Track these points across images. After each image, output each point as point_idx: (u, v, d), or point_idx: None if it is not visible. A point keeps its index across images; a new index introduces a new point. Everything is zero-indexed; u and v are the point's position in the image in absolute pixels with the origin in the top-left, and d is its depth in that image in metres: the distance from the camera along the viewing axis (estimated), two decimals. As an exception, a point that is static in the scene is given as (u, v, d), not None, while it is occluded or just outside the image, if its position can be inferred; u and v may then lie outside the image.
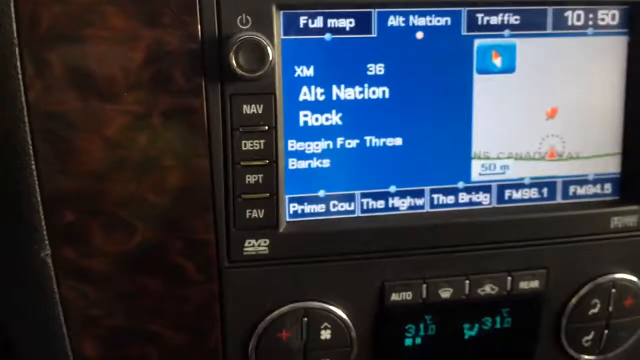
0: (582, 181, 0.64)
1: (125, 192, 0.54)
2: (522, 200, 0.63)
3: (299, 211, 0.59)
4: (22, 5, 0.50)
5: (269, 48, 0.53)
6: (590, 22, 0.61)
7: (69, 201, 0.53)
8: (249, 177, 0.56)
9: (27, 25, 0.50)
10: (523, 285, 0.62)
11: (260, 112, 0.55)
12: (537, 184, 0.64)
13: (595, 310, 0.65)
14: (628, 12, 0.62)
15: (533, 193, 0.64)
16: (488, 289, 0.62)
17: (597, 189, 0.65)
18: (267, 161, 0.56)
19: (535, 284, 0.63)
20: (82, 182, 0.53)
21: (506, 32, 0.60)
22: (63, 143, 0.52)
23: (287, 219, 0.59)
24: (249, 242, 0.57)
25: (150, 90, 0.53)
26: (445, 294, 0.61)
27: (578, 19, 0.61)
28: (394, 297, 0.61)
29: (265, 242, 0.57)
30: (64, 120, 0.52)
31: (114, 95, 0.52)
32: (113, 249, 0.55)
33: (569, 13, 0.61)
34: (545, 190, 0.64)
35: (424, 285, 0.61)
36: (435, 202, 0.62)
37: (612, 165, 0.65)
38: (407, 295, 0.61)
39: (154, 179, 0.54)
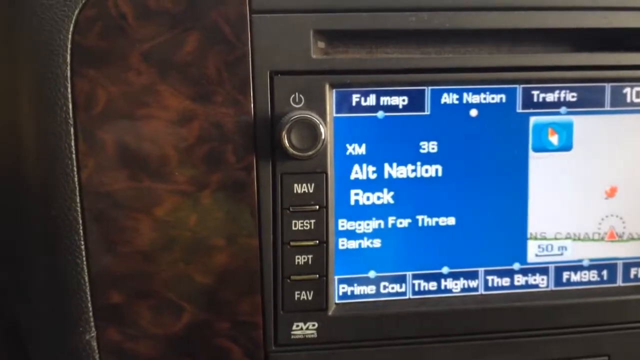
0: (644, 263, 0.68)
1: (173, 273, 0.58)
2: (581, 283, 0.67)
3: (349, 292, 0.63)
4: (79, 85, 0.55)
5: (321, 127, 0.57)
6: (650, 99, 0.66)
7: (116, 282, 0.57)
8: (298, 258, 0.60)
9: (82, 105, 0.55)
10: None
11: (311, 191, 0.59)
12: (597, 265, 0.67)
13: (660, 400, 0.67)
14: (688, 88, 0.66)
15: (592, 275, 0.67)
16: (546, 377, 0.65)
17: (659, 272, 0.68)
18: (317, 241, 0.60)
19: (596, 372, 0.66)
20: (129, 263, 0.57)
21: (563, 109, 0.64)
22: (112, 223, 0.57)
23: (337, 301, 0.63)
24: (297, 325, 0.61)
25: (202, 169, 0.57)
26: (501, 382, 0.64)
27: (637, 95, 0.65)
28: None
29: (313, 325, 0.61)
30: (114, 200, 0.57)
31: (165, 175, 0.57)
32: (159, 331, 0.58)
33: (627, 90, 0.65)
34: (605, 273, 0.67)
35: (479, 373, 0.64)
36: (490, 284, 0.65)
37: (675, 247, 0.68)
38: None
39: (202, 259, 0.58)
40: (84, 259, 0.57)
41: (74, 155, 0.55)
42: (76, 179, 0.55)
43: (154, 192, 0.57)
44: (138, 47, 0.55)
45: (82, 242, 0.56)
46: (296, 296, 0.60)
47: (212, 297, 0.59)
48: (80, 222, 0.56)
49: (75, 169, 0.55)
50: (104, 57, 0.55)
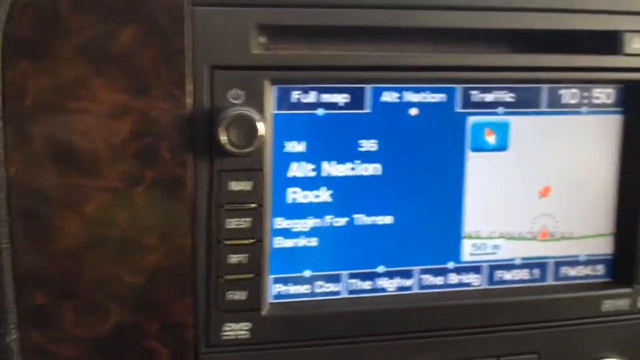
0: (573, 262, 0.70)
1: (102, 273, 0.57)
2: (513, 281, 0.69)
3: (283, 292, 0.64)
4: (9, 76, 0.53)
5: (260, 124, 0.57)
6: (585, 101, 0.68)
7: (41, 282, 0.56)
8: (232, 257, 0.60)
9: (12, 97, 0.53)
10: None
11: (248, 189, 0.59)
12: (529, 264, 0.69)
13: (588, 397, 0.71)
14: (622, 91, 0.68)
15: (524, 274, 0.69)
16: (477, 375, 0.67)
17: (588, 270, 0.71)
18: (253, 240, 0.60)
19: (525, 370, 0.68)
20: (56, 262, 0.56)
21: (500, 109, 0.66)
22: (40, 220, 0.55)
23: (270, 301, 0.63)
24: (229, 326, 0.61)
25: (135, 165, 0.56)
26: (434, 380, 0.66)
27: (572, 97, 0.68)
28: None
29: (246, 325, 0.61)
30: (42, 197, 0.55)
31: (96, 171, 0.56)
32: (84, 333, 0.57)
33: (563, 91, 0.67)
34: (536, 271, 0.70)
35: (413, 371, 0.66)
36: (424, 282, 0.67)
37: (604, 246, 0.71)
38: None
39: (132, 258, 0.57)
40: (9, 257, 0.55)
41: (1, 150, 0.53)
42: (4, 174, 0.54)
43: (84, 189, 0.56)
44: (72, 38, 0.54)
45: (8, 240, 0.55)
46: (229, 296, 0.60)
47: (142, 298, 0.58)
48: (7, 218, 0.54)
49: (3, 163, 0.53)
50: (36, 48, 0.53)
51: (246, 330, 0.61)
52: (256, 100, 0.58)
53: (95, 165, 0.55)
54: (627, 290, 0.70)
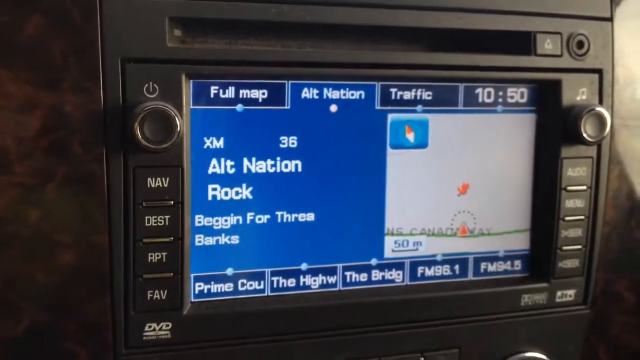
0: (493, 258, 0.68)
1: (12, 272, 0.52)
2: (435, 277, 0.67)
3: (205, 290, 0.60)
4: None
5: (177, 118, 0.53)
6: (500, 100, 0.67)
7: (-55, 283, 0.51)
8: (151, 256, 0.56)
9: None
10: None
11: (165, 185, 0.55)
12: (449, 260, 0.67)
13: (508, 390, 0.68)
14: (536, 90, 0.67)
15: (445, 270, 0.67)
16: (400, 371, 0.64)
17: (507, 265, 0.69)
18: (172, 238, 0.56)
19: (448, 364, 0.66)
20: (-38, 261, 0.51)
21: (419, 107, 0.64)
22: (-57, 218, 0.50)
23: (192, 300, 0.59)
24: (149, 326, 0.56)
25: (45, 161, 0.52)
26: (358, 377, 0.63)
27: (488, 96, 0.66)
28: None
29: (167, 325, 0.57)
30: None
31: (3, 166, 0.51)
32: (-4, 335, 0.53)
33: (479, 90, 0.66)
34: (457, 267, 0.67)
35: (336, 368, 0.62)
36: (348, 279, 0.64)
37: (522, 242, 0.69)
38: None
39: (45, 257, 0.53)
40: None
41: None
42: None
43: (-8, 185, 0.51)
44: (-27, 27, 0.49)
45: None
46: (148, 295, 0.56)
47: (57, 298, 0.53)
48: None
49: None
50: None
51: (167, 330, 0.56)
52: (172, 95, 0.54)
53: (3, 161, 0.51)
54: (544, 284, 0.68)
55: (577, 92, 0.67)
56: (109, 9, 0.53)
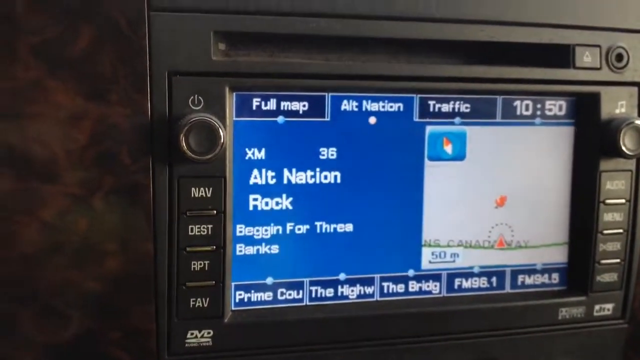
0: (530, 270, 0.70)
1: (61, 279, 0.55)
2: (472, 289, 0.68)
3: (245, 299, 0.62)
4: (-39, 81, 0.51)
5: (220, 130, 0.56)
6: (538, 112, 0.68)
7: (-3, 288, 0.54)
8: (194, 264, 0.58)
9: None
10: None
11: (209, 195, 0.58)
12: (486, 272, 0.68)
13: (547, 403, 0.70)
14: (574, 103, 0.69)
15: (482, 282, 0.68)
16: (438, 383, 0.66)
17: (545, 278, 0.70)
18: (214, 247, 0.58)
19: (485, 377, 0.67)
20: (12, 267, 0.54)
21: (457, 119, 0.66)
22: (-5, 224, 0.53)
23: (233, 308, 0.61)
24: (192, 333, 0.59)
25: (94, 170, 0.55)
26: (396, 387, 0.65)
27: (526, 108, 0.68)
28: None
29: (208, 333, 0.59)
30: (-1, 201, 0.53)
31: (53, 176, 0.54)
32: (44, 340, 0.55)
33: (517, 103, 0.67)
34: (494, 280, 0.69)
35: (375, 379, 0.64)
36: (385, 290, 0.65)
37: (559, 255, 0.70)
38: None
39: (93, 264, 0.55)
40: None
41: None
42: None
43: (41, 194, 0.54)
44: (28, 39, 0.52)
45: None
46: (191, 303, 0.58)
47: (103, 305, 0.56)
48: None
49: None
50: None
51: (208, 337, 0.59)
52: (216, 107, 0.57)
53: (52, 170, 0.54)
54: (582, 298, 0.69)
55: (616, 105, 0.68)
56: (157, 22, 0.55)
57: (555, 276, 0.71)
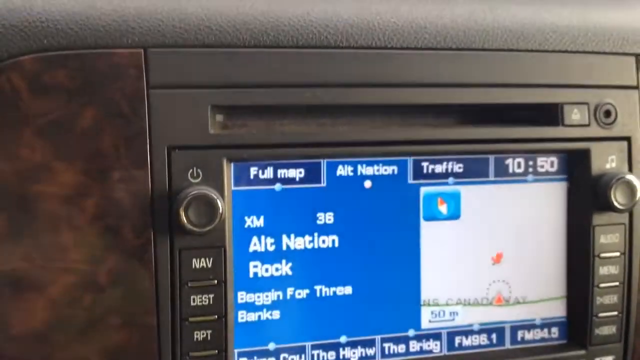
0: (529, 326, 0.71)
1: (68, 355, 0.56)
2: (472, 347, 0.70)
3: (248, 366, 0.63)
4: (-31, 165, 0.54)
5: (219, 202, 0.58)
6: (530, 169, 0.70)
7: (5, 365, 0.55)
8: (197, 334, 0.60)
9: None
10: None
11: (209, 266, 0.60)
12: (486, 329, 0.70)
13: None
14: (566, 159, 0.71)
15: (482, 339, 0.70)
16: None
17: (544, 333, 0.72)
18: (216, 316, 0.60)
19: None
20: (21, 345, 0.55)
21: (450, 179, 0.68)
22: (4, 303, 0.55)
23: (236, 376, 0.63)
24: (196, 404, 0.60)
25: (98, 246, 0.57)
26: None
27: (519, 166, 0.70)
28: None
29: (213, 402, 0.60)
30: (6, 280, 0.55)
31: (59, 253, 0.56)
32: (50, 416, 0.56)
33: (509, 161, 0.70)
34: (494, 336, 0.70)
35: None
36: (387, 351, 0.67)
37: (558, 309, 0.72)
38: None
39: (98, 339, 0.57)
40: None
41: None
42: None
43: (48, 271, 0.55)
44: (32, 122, 0.55)
45: None
46: None
47: (108, 379, 0.57)
48: None
49: None
50: None
51: None
52: (215, 178, 0.59)
53: (59, 247, 0.55)
54: (582, 352, 0.71)
55: (606, 160, 0.70)
56: (156, 101, 0.58)
57: (555, 330, 0.72)
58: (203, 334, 0.60)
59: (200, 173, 0.59)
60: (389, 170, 0.66)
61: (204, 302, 0.59)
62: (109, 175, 0.57)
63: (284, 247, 0.64)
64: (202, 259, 0.59)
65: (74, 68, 0.56)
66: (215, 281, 0.60)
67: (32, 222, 0.55)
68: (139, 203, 0.57)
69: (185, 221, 0.57)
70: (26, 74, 0.55)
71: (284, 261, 0.64)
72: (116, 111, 0.57)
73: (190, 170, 0.59)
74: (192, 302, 0.59)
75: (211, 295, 0.60)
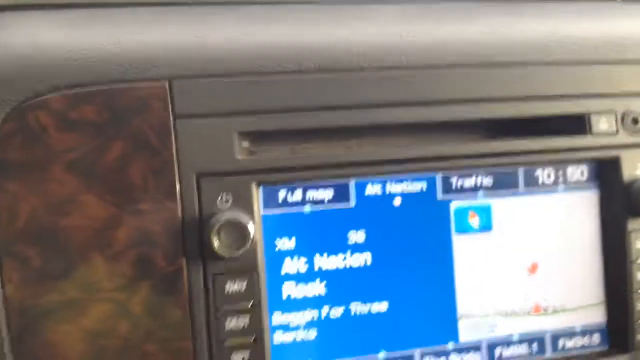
0: (570, 333, 0.60)
1: (105, 384, 0.48)
2: (513, 357, 0.59)
3: (287, 387, 0.54)
4: (2, 200, 0.46)
5: (249, 226, 0.49)
6: (561, 179, 0.60)
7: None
8: (235, 357, 0.51)
9: (4, 220, 0.46)
10: None
11: (243, 289, 0.51)
12: (526, 339, 0.59)
13: None
14: (596, 167, 0.60)
15: (523, 349, 0.59)
16: None
17: (585, 340, 0.61)
18: (252, 339, 0.51)
19: None
20: (59, 376, 0.48)
21: (480, 193, 0.58)
22: (39, 337, 0.47)
23: (275, 397, 0.53)
24: None
25: (130, 275, 0.49)
26: None
27: (548, 177, 0.60)
28: None
29: None
30: (40, 313, 0.47)
31: (92, 284, 0.48)
32: None
33: (539, 172, 0.59)
34: (535, 345, 0.60)
35: None
36: (427, 365, 0.57)
37: (598, 315, 0.61)
38: None
39: (135, 366, 0.49)
40: None
41: None
42: (0, 294, 0.46)
43: (81, 303, 0.48)
44: (60, 158, 0.48)
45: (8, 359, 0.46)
46: None
47: (146, 406, 0.49)
48: (7, 339, 0.46)
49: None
50: (25, 170, 0.47)
51: None
52: (244, 203, 0.51)
53: (90, 279, 0.48)
54: (624, 357, 0.59)
55: (636, 166, 0.59)
56: (182, 129, 0.50)
57: (596, 337, 0.61)
58: (241, 356, 0.51)
59: (230, 199, 0.51)
60: (417, 187, 0.57)
61: (239, 326, 0.51)
62: (139, 205, 0.49)
63: (317, 267, 0.55)
64: (236, 283, 0.51)
65: (101, 103, 0.48)
66: (250, 304, 0.51)
67: (64, 255, 0.48)
68: (170, 231, 0.50)
69: (217, 246, 0.48)
70: (53, 111, 0.48)
71: (317, 280, 0.55)
72: (144, 143, 0.49)
73: (220, 196, 0.51)
74: (227, 326, 0.51)
75: (246, 319, 0.51)
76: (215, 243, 0.49)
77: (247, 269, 0.51)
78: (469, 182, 0.58)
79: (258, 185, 0.52)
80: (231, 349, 0.51)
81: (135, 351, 0.49)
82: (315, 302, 0.55)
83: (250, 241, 0.49)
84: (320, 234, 0.55)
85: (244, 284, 0.51)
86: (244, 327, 0.51)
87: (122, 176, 0.49)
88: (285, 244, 0.54)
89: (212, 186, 0.51)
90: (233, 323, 0.51)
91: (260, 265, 0.52)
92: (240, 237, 0.49)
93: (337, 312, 0.55)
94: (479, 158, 0.57)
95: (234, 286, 0.51)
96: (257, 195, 0.52)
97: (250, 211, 0.51)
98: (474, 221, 0.58)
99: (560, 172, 0.60)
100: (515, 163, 0.58)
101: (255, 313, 0.51)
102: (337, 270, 0.55)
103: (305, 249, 0.54)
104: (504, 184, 0.59)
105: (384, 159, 0.55)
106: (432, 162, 0.56)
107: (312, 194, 0.54)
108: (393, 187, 0.56)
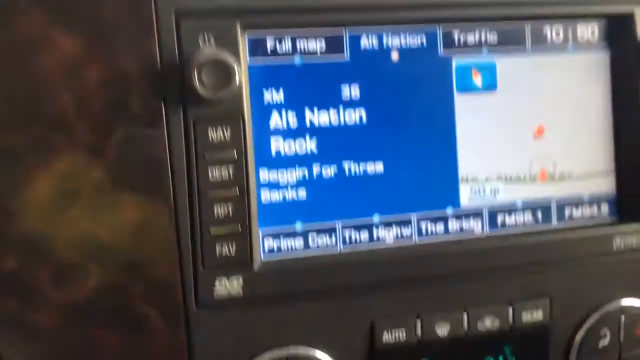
0: (577, 202, 0.52)
1: (77, 232, 0.41)
2: (516, 225, 0.51)
3: (275, 248, 0.47)
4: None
5: (235, 66, 0.41)
6: (570, 38, 0.51)
7: (11, 245, 0.41)
8: (217, 209, 0.44)
9: None
10: (526, 317, 0.49)
11: (227, 138, 0.44)
12: (531, 207, 0.52)
13: (606, 342, 0.52)
14: (607, 26, 0.51)
15: (527, 217, 0.51)
16: (489, 323, 0.49)
17: (593, 210, 0.53)
18: (237, 191, 0.44)
19: (539, 315, 0.50)
20: (26, 223, 0.41)
21: (484, 50, 0.49)
22: (6, 180, 0.40)
23: (262, 256, 0.46)
24: (220, 282, 0.44)
25: (104, 118, 0.41)
26: (443, 330, 0.48)
27: (557, 35, 0.51)
28: (386, 337, 0.47)
29: (238, 281, 0.44)
30: (8, 156, 0.40)
31: (63, 126, 0.41)
32: (63, 298, 0.42)
33: (547, 29, 0.51)
34: (539, 214, 0.52)
35: (418, 322, 0.48)
36: (424, 231, 0.49)
37: (607, 184, 0.53)
38: (401, 334, 0.47)
39: (109, 215, 0.42)
40: None
41: None
42: None
43: (52, 145, 0.40)
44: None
45: None
46: (217, 251, 0.44)
47: (123, 257, 0.42)
48: None
49: None
50: None
51: (238, 287, 0.44)
52: (228, 47, 0.43)
53: (62, 121, 0.40)
54: (637, 226, 0.51)
55: None
56: None
57: (605, 207, 0.53)
58: (224, 209, 0.44)
59: (213, 41, 0.42)
60: (417, 41, 0.48)
61: (223, 177, 0.43)
62: (113, 42, 0.41)
63: (308, 123, 0.47)
64: (219, 130, 0.43)
65: None
66: (234, 154, 0.43)
67: (35, 95, 0.40)
68: (147, 71, 0.42)
69: (198, 86, 0.41)
70: None
71: (307, 137, 0.47)
72: None
73: (201, 38, 0.42)
74: (210, 176, 0.43)
75: (230, 169, 0.43)
76: (196, 82, 0.41)
77: (231, 116, 0.43)
78: (472, 37, 0.49)
79: (244, 28, 0.44)
80: (215, 200, 0.43)
81: (109, 199, 0.42)
82: (305, 160, 0.47)
83: (235, 84, 0.42)
84: (311, 87, 0.47)
85: (228, 132, 0.44)
86: (228, 178, 0.44)
87: (93, 9, 0.41)
88: (274, 95, 0.46)
89: (193, 25, 0.43)
90: (216, 173, 0.43)
91: (246, 113, 0.44)
92: (224, 77, 0.42)
93: (328, 171, 0.48)
94: (482, 7, 0.48)
95: (217, 133, 0.43)
96: (243, 40, 0.44)
97: (235, 53, 0.43)
98: (477, 79, 0.50)
99: (570, 30, 0.51)
100: (522, 16, 0.49)
101: (240, 164, 0.44)
102: (329, 127, 0.47)
103: (295, 103, 0.47)
104: (510, 41, 0.50)
105: (379, 5, 0.46)
106: (432, 10, 0.47)
107: (302, 44, 0.46)
108: (391, 40, 0.48)
